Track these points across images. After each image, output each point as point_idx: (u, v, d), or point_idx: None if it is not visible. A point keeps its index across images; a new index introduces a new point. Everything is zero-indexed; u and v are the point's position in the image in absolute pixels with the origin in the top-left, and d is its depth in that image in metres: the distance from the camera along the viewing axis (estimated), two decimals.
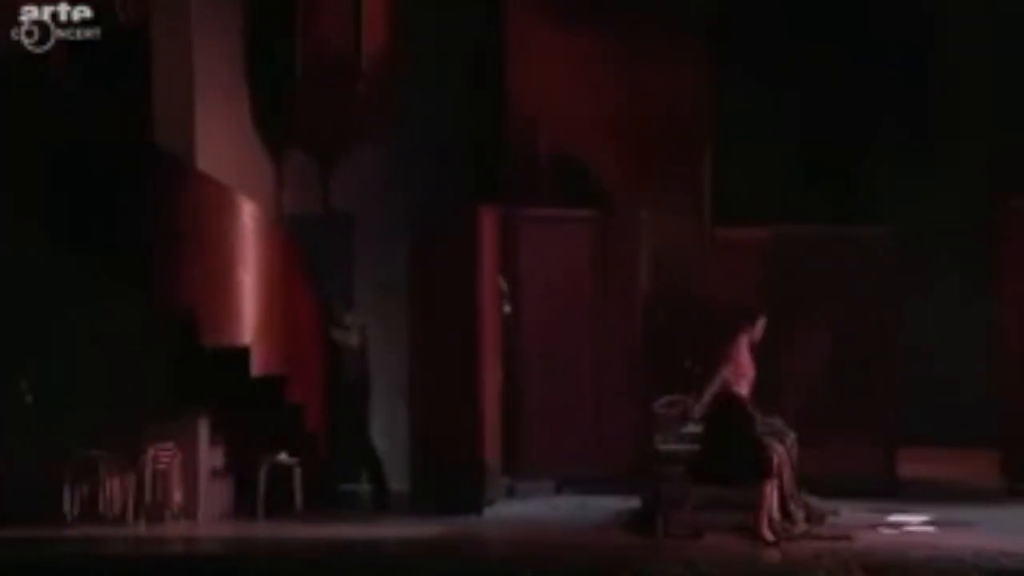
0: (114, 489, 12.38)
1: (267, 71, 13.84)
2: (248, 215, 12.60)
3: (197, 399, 12.46)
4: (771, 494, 11.34)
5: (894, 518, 11.92)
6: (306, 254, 13.24)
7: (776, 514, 11.57)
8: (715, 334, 13.16)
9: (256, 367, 12.40)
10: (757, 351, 11.69)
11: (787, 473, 11.85)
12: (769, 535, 11.27)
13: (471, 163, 14.04)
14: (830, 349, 13.43)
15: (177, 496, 12.39)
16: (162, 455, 12.35)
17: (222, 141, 13.16)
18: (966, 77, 15.12)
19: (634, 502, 12.17)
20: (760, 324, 11.66)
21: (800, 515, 11.74)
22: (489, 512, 12.79)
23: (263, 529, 12.26)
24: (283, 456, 12.75)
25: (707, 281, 13.77)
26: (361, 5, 14.00)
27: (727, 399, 11.41)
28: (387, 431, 13.71)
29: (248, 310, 12.43)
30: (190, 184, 12.49)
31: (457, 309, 12.87)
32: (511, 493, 13.44)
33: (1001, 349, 13.24)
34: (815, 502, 12.01)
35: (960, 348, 14.14)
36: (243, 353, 12.41)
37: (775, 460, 11.38)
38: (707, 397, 11.46)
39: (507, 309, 13.67)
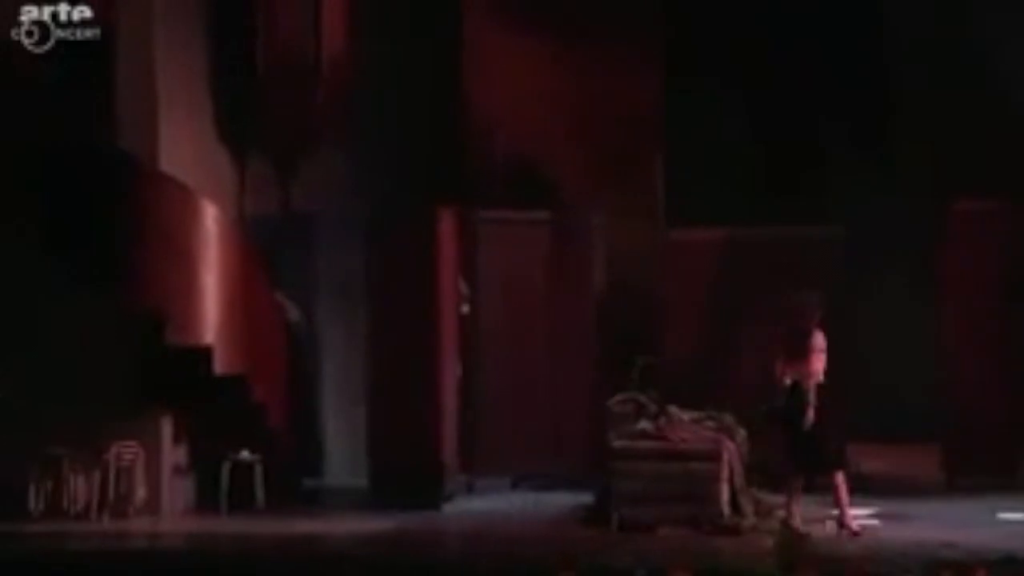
0: (79, 486, 12.36)
1: (229, 76, 13.85)
2: (210, 217, 12.62)
3: (160, 397, 12.44)
4: (843, 484, 11.28)
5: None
6: (267, 256, 13.27)
7: (727, 508, 11.70)
8: (669, 332, 13.33)
9: (218, 366, 12.43)
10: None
11: (737, 469, 11.97)
12: (855, 526, 11.21)
13: (429, 166, 14.05)
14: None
15: (141, 492, 12.38)
16: (126, 452, 12.34)
17: (185, 145, 13.18)
18: (914, 80, 15.20)
19: (589, 497, 12.21)
20: (820, 305, 11.45)
21: (749, 508, 11.82)
22: (447, 508, 12.83)
23: (225, 525, 12.25)
24: (245, 453, 12.75)
25: (660, 281, 13.87)
26: (321, 11, 14.04)
27: (799, 392, 11.27)
28: (347, 428, 13.74)
29: (210, 310, 12.45)
30: (154, 187, 12.50)
31: (416, 309, 12.90)
32: (469, 489, 13.48)
33: (942, 350, 13.36)
34: (764, 496, 12.08)
35: (905, 348, 14.24)
36: (206, 352, 12.44)
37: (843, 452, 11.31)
38: (811, 396, 11.23)
39: (465, 309, 13.71)
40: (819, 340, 11.41)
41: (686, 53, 14.42)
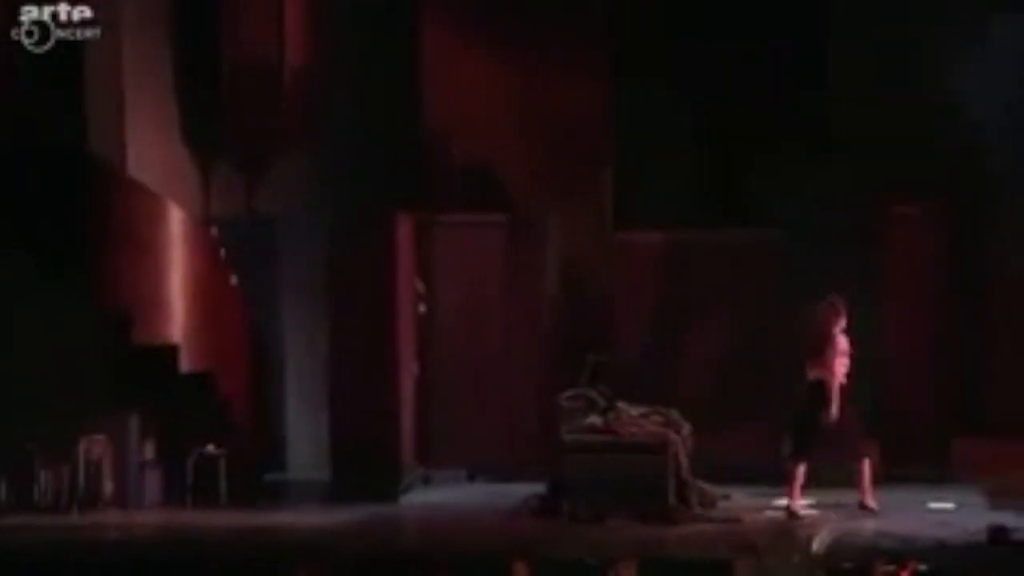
0: (48, 480, 12.36)
1: (195, 83, 13.87)
2: (177, 220, 12.67)
3: (128, 394, 12.46)
4: (867, 471, 11.77)
5: (780, 501, 12.07)
6: (232, 257, 13.31)
7: (673, 499, 11.82)
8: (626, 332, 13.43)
9: (184, 364, 12.48)
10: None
11: (683, 461, 12.08)
12: (874, 504, 11.65)
13: (388, 171, 14.08)
14: (723, 346, 13.63)
15: (109, 486, 12.39)
16: (94, 447, 12.35)
17: (152, 149, 13.21)
18: (853, 85, 15.25)
19: (541, 489, 12.27)
20: (843, 311, 11.81)
21: (694, 499, 11.92)
22: (405, 499, 12.90)
23: (191, 517, 12.27)
24: (210, 448, 12.78)
25: (609, 282, 13.96)
26: (284, 21, 14.07)
27: (822, 386, 11.65)
28: (308, 424, 13.78)
29: (177, 310, 12.50)
30: (121, 190, 12.55)
31: (375, 308, 12.94)
32: (425, 482, 13.56)
33: (879, 348, 13.51)
34: (708, 487, 12.20)
35: None
36: (172, 350, 12.49)
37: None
38: (835, 394, 11.60)
39: (422, 308, 13.77)
40: (842, 343, 11.75)
41: (632, 62, 14.49)
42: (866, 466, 11.83)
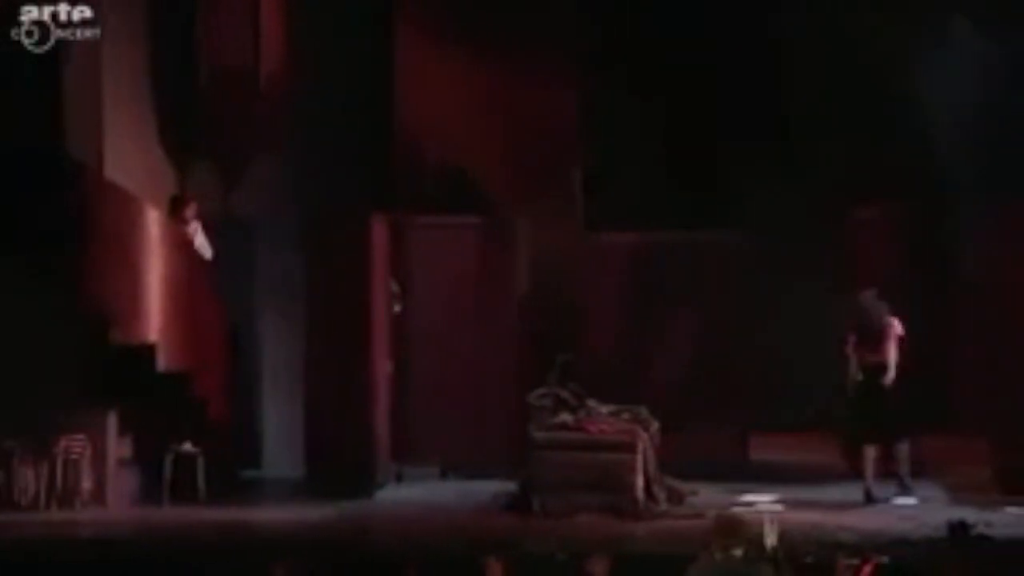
0: (27, 477, 12.31)
1: (171, 87, 13.87)
2: (154, 221, 12.66)
3: (106, 393, 12.46)
4: (906, 451, 12.16)
5: (746, 497, 12.20)
6: (209, 259, 13.31)
7: (642, 495, 11.88)
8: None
9: (162, 363, 12.48)
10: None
11: (651, 458, 12.15)
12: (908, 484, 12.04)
13: (363, 173, 14.12)
14: (690, 346, 13.71)
15: (87, 484, 12.35)
16: (73, 445, 12.31)
17: (129, 152, 13.20)
18: (817, 92, 15.35)
19: (512, 486, 12.33)
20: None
21: (662, 496, 12.00)
22: (379, 496, 12.92)
23: (168, 514, 12.27)
24: (187, 446, 12.76)
25: (580, 282, 14.01)
26: (260, 25, 14.09)
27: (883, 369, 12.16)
28: (284, 422, 13.79)
29: (154, 310, 12.51)
30: (100, 192, 12.53)
31: (350, 309, 12.97)
32: (399, 479, 13.58)
33: (843, 347, 13.60)
34: (676, 483, 12.28)
35: (807, 344, 14.44)
36: (150, 350, 12.49)
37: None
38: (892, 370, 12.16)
39: (397, 308, 13.80)
40: (897, 327, 12.27)
41: (603, 66, 14.58)
42: (906, 447, 12.15)
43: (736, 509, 11.65)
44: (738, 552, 7.13)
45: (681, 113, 15.31)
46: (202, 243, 13.06)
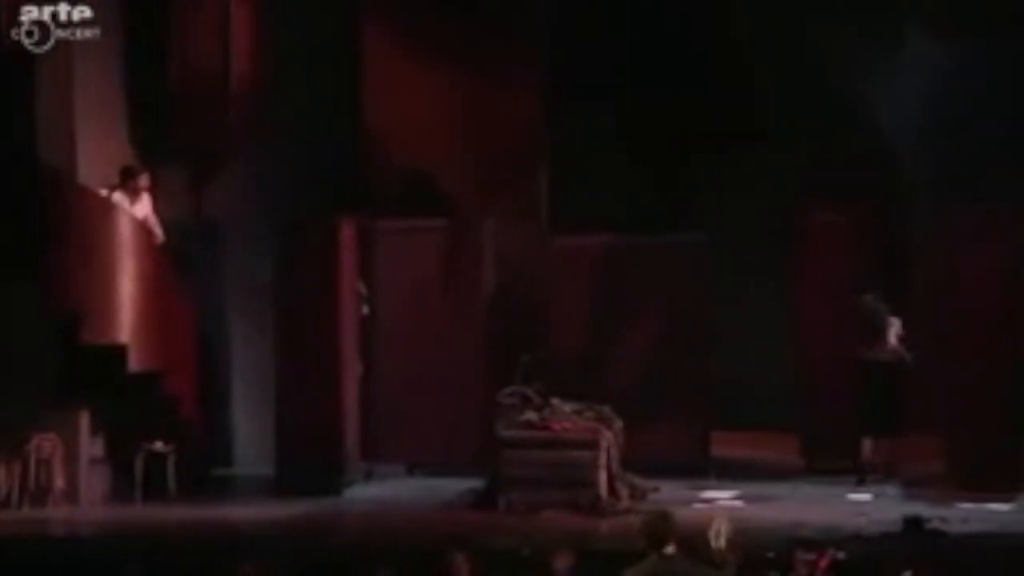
0: (0, 476, 12.32)
1: (143, 91, 13.86)
2: (126, 224, 12.66)
3: (78, 393, 12.46)
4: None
5: (707, 494, 12.32)
6: (179, 260, 13.31)
7: (605, 492, 11.94)
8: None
9: (133, 363, 12.46)
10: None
11: (614, 456, 12.23)
12: None
13: (331, 177, 14.13)
14: (652, 346, 13.77)
15: (59, 482, 12.35)
16: (45, 444, 12.32)
17: (102, 156, 13.17)
18: (782, 92, 15.42)
19: (478, 483, 12.37)
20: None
21: (625, 492, 12.07)
22: (348, 494, 12.96)
23: (140, 512, 12.30)
24: (158, 445, 12.79)
25: (545, 284, 14.06)
26: (230, 33, 14.10)
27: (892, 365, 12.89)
28: (255, 421, 13.80)
29: (126, 311, 12.48)
30: (72, 196, 12.52)
31: (319, 310, 13.00)
32: (368, 476, 13.60)
33: (799, 347, 13.71)
34: (638, 481, 12.36)
35: (766, 345, 14.54)
36: (121, 350, 12.47)
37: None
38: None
39: (365, 310, 13.81)
40: (897, 326, 12.92)
41: (566, 72, 14.64)
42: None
43: (697, 506, 11.80)
44: (670, 550, 7.13)
45: (645, 117, 15.38)
46: (150, 216, 12.71)
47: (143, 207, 12.92)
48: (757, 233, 14.75)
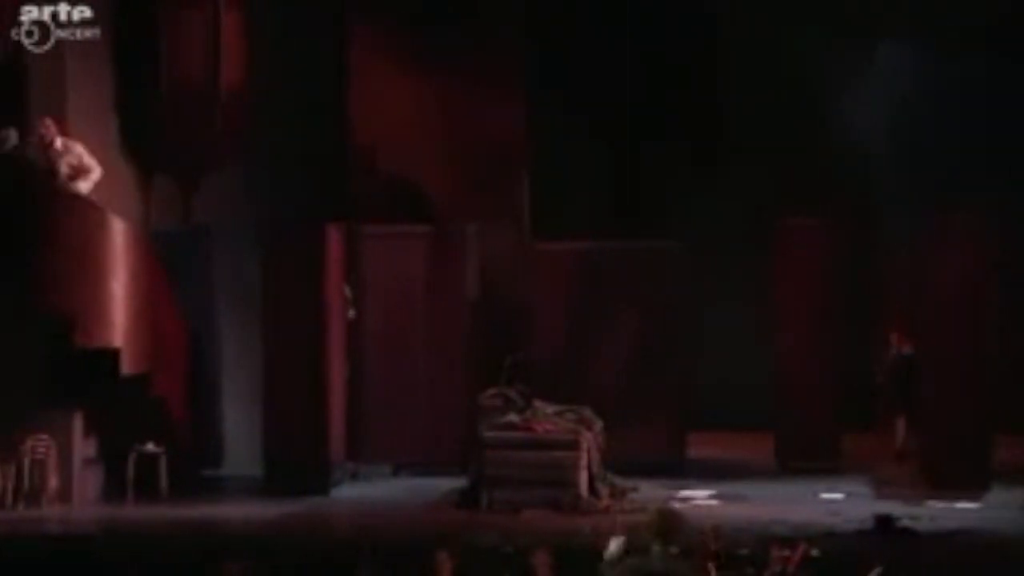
0: None
1: (135, 100, 13.90)
2: (118, 231, 12.69)
3: (72, 395, 12.47)
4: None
5: (684, 493, 12.36)
6: (170, 266, 13.36)
7: (585, 491, 12.01)
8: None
9: (125, 366, 12.47)
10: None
11: (594, 456, 12.29)
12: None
13: (318, 184, 14.19)
14: (631, 349, 13.84)
15: (53, 483, 12.35)
16: (39, 445, 12.31)
17: (94, 163, 13.17)
18: (758, 105, 15.51)
19: (462, 482, 12.41)
20: None
21: (604, 492, 12.12)
22: (334, 493, 12.99)
23: (132, 512, 12.32)
24: (150, 446, 12.83)
25: (527, 288, 14.13)
26: (220, 42, 14.15)
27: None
28: (244, 422, 13.84)
29: (118, 315, 12.50)
30: (66, 202, 12.53)
31: (306, 314, 13.03)
32: (354, 477, 13.64)
33: (776, 351, 13.78)
34: (618, 480, 12.41)
35: (743, 349, 14.63)
36: (113, 353, 12.49)
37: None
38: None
39: (351, 314, 13.85)
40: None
41: (547, 82, 14.74)
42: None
43: (674, 504, 11.86)
44: (674, 549, 7.20)
45: (625, 126, 15.46)
46: (85, 156, 11.72)
47: (73, 155, 11.94)
48: (733, 238, 14.84)
